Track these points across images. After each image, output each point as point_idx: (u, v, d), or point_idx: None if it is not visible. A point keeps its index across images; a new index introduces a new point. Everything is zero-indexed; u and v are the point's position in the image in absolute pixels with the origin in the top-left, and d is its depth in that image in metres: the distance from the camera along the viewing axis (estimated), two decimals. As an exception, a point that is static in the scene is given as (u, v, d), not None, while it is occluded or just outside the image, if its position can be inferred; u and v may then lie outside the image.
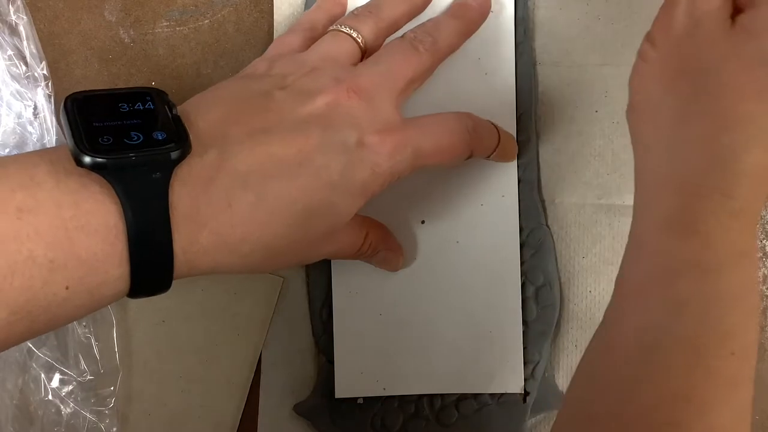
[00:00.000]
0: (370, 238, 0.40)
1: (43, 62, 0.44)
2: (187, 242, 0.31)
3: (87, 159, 0.29)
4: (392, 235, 0.43)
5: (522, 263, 0.44)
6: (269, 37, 0.45)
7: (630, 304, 0.33)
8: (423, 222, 0.44)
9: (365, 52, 0.38)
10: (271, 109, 0.34)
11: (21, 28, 0.44)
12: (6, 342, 0.30)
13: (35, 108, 0.44)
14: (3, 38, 0.44)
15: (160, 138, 0.31)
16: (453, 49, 0.40)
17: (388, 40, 0.39)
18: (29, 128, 0.44)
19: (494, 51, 0.43)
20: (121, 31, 0.46)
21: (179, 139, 0.31)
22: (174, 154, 0.31)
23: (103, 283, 0.30)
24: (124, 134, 0.31)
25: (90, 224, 0.29)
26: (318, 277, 0.45)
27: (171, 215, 0.30)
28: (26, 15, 0.44)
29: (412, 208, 0.44)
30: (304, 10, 0.44)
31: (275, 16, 0.45)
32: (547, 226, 0.44)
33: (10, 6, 0.44)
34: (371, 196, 0.35)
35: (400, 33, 0.40)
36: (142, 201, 0.30)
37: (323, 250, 0.38)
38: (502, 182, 0.44)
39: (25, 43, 0.44)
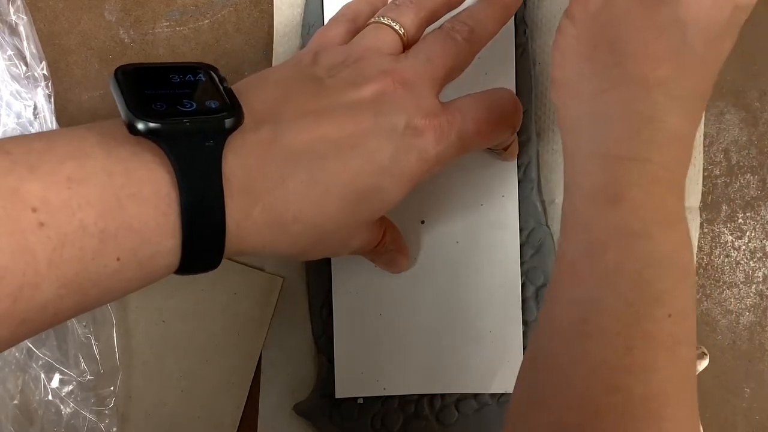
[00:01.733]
0: (387, 236, 0.40)
1: (43, 62, 0.44)
2: (240, 215, 0.31)
3: (140, 125, 0.29)
4: (402, 237, 0.43)
5: (522, 263, 0.44)
6: (269, 37, 0.45)
7: (564, 279, 0.33)
8: (423, 222, 0.44)
9: (406, 44, 0.38)
10: (323, 93, 0.34)
11: (21, 28, 0.44)
12: (56, 317, 0.29)
13: (35, 108, 0.44)
14: (3, 38, 0.44)
15: (213, 107, 0.31)
16: (491, 35, 0.40)
17: (427, 30, 0.40)
18: (29, 128, 0.44)
19: (494, 51, 0.43)
20: (121, 31, 0.46)
21: (232, 109, 0.31)
22: (228, 122, 0.30)
23: (155, 255, 0.30)
24: (176, 101, 0.30)
25: (142, 192, 0.29)
26: (318, 277, 0.45)
27: (224, 186, 0.30)
28: (26, 15, 0.44)
29: (412, 208, 0.44)
30: (304, 10, 0.44)
31: (275, 17, 0.45)
32: (547, 226, 0.44)
33: (10, 6, 0.44)
34: (417, 183, 0.35)
35: (438, 24, 0.40)
36: (195, 168, 0.29)
37: (354, 243, 0.38)
38: (502, 182, 0.44)
39: (25, 43, 0.44)
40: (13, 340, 0.29)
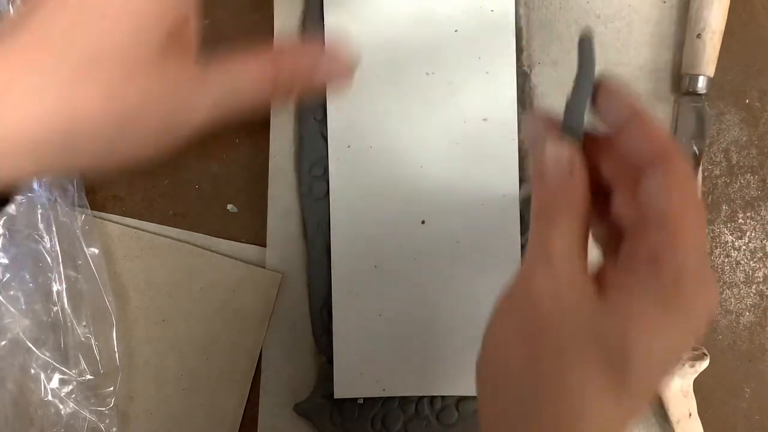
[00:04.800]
0: (285, 65, 0.32)
1: (44, 62, 0.44)
2: None
3: None
4: (311, 50, 0.33)
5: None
6: (270, 39, 0.45)
7: None
8: (423, 222, 0.44)
9: None
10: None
11: (22, 29, 0.44)
12: None
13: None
14: (4, 38, 0.44)
15: None
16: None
17: None
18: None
19: (494, 51, 0.43)
20: (122, 32, 0.46)
21: None
22: None
23: None
24: None
25: None
26: (318, 277, 0.45)
27: None
28: (27, 15, 0.44)
29: (412, 208, 0.44)
30: (304, 12, 0.45)
31: (275, 19, 0.45)
32: (547, 226, 0.44)
33: (11, 6, 0.44)
34: (175, 15, 0.29)
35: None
36: None
37: (195, 102, 0.30)
38: (502, 182, 0.44)
39: (26, 43, 0.44)
40: None
